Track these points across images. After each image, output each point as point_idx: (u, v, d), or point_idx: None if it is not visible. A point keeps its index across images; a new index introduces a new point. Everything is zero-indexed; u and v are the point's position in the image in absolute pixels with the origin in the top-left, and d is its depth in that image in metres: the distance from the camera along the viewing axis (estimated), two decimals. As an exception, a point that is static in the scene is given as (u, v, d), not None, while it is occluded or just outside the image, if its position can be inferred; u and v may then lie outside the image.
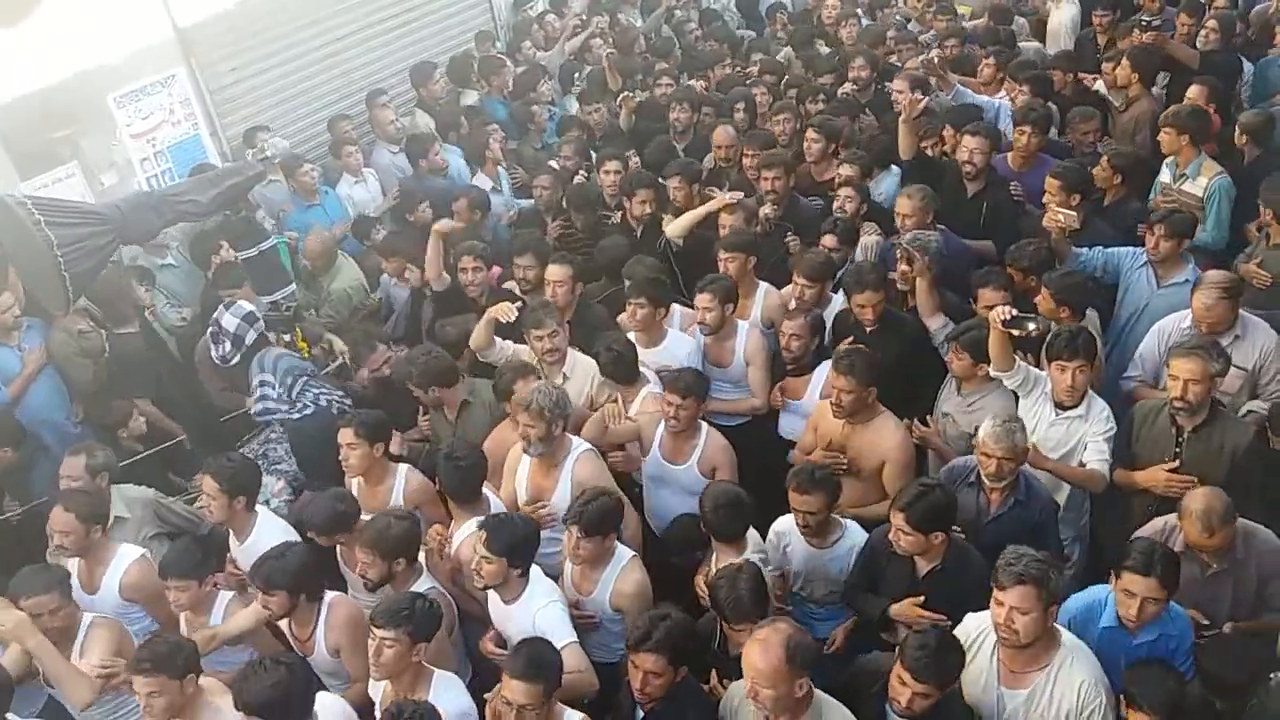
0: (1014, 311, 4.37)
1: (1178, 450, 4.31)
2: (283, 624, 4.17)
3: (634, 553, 4.25)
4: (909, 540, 3.81)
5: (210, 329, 5.70)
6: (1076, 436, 4.44)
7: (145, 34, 7.33)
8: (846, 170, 6.18)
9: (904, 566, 3.96)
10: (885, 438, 4.50)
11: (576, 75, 9.23)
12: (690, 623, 3.66)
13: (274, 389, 5.38)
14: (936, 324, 5.09)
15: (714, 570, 4.00)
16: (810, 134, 6.61)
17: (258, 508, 4.63)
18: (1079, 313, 4.88)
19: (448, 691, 3.67)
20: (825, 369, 4.94)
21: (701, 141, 7.30)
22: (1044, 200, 5.48)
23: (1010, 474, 4.07)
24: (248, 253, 5.56)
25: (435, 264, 6.00)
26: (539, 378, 4.80)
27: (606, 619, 4.16)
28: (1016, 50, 7.89)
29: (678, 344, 5.18)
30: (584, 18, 9.85)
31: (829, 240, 5.68)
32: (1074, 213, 5.27)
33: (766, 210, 6.13)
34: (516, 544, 3.88)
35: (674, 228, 5.96)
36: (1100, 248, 5.38)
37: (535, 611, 3.90)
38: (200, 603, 4.27)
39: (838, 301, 5.44)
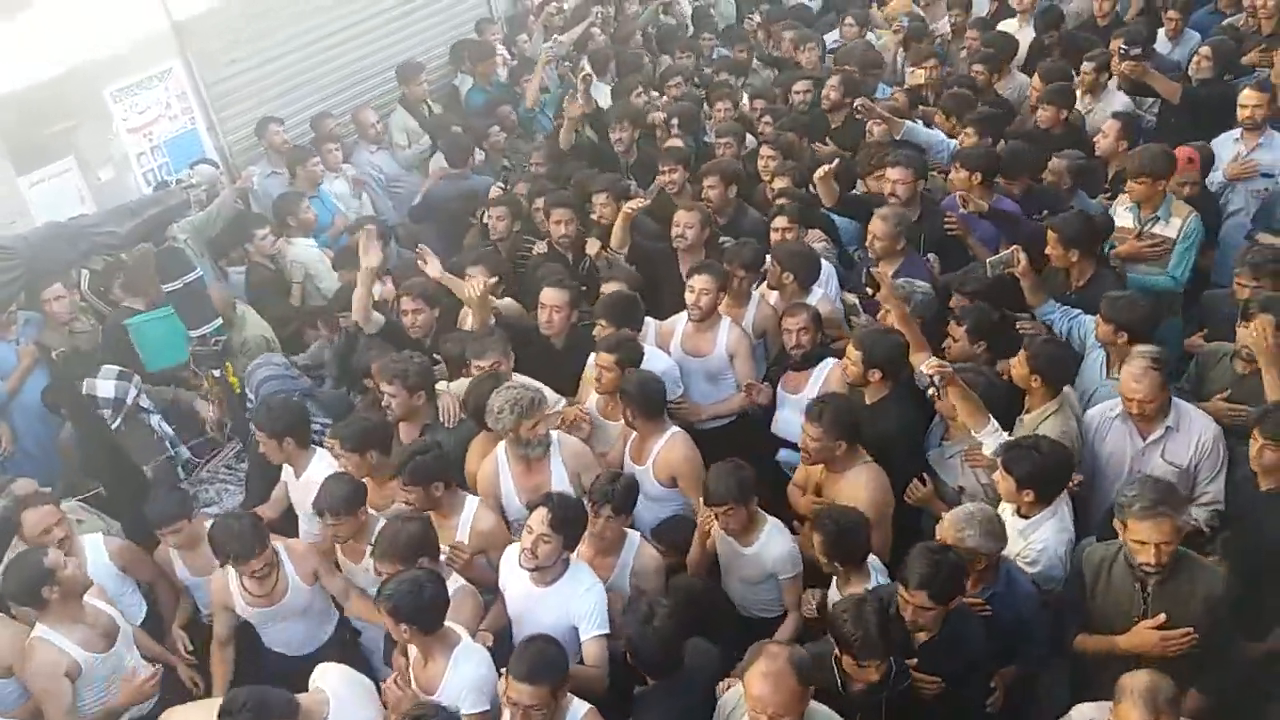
0: (937, 370, 4.22)
1: (1144, 606, 3.69)
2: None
3: (640, 532, 4.32)
4: (929, 616, 3.54)
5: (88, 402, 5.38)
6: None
7: (141, 27, 7.34)
8: (779, 183, 6.25)
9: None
10: (859, 490, 4.24)
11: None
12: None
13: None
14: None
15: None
16: (764, 150, 6.65)
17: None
18: (1054, 388, 4.48)
19: (467, 661, 3.70)
20: (829, 364, 4.93)
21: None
22: (1047, 251, 5.22)
23: (982, 566, 3.75)
24: (172, 286, 5.33)
25: (363, 304, 5.43)
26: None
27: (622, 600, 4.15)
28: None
29: (653, 359, 5.06)
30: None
31: (780, 221, 5.72)
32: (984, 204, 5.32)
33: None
34: (573, 521, 3.90)
35: (617, 239, 5.92)
36: (1069, 313, 5.00)
37: (575, 595, 3.90)
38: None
39: (816, 296, 5.42)
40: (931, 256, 5.73)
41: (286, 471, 4.94)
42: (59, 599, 4.07)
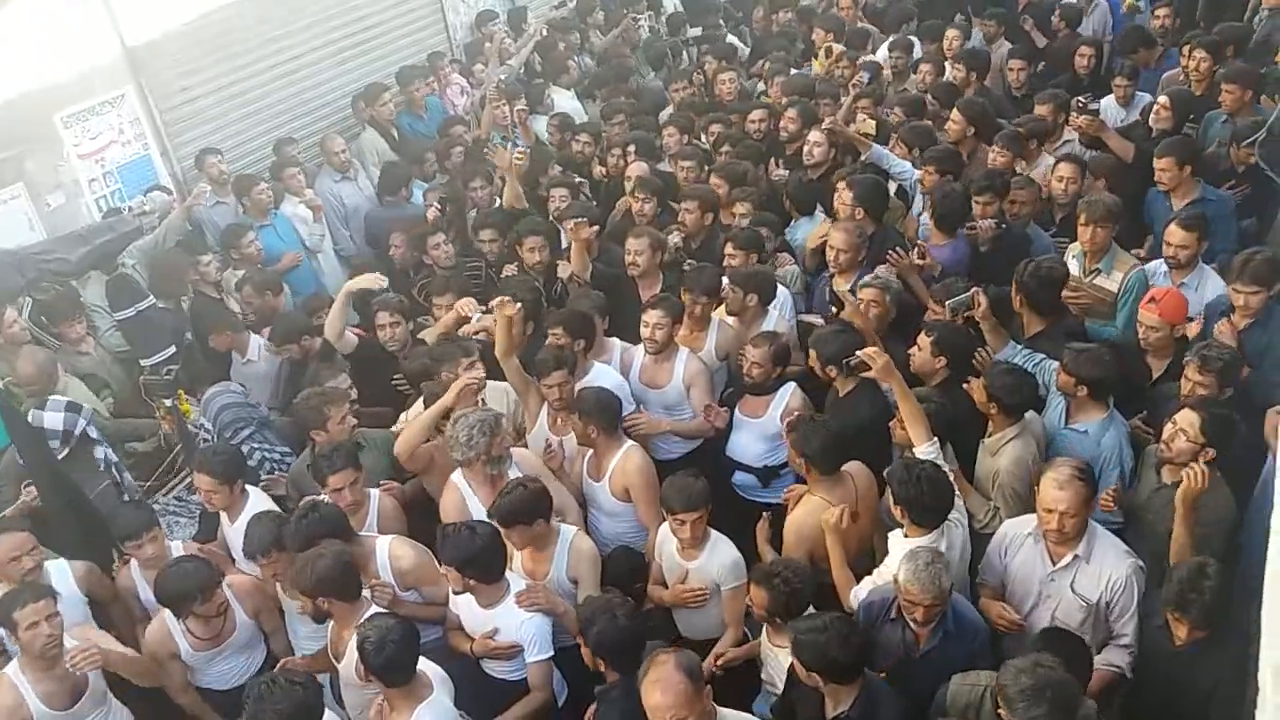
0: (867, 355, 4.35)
1: None
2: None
3: (576, 527, 4.44)
4: (811, 679, 3.56)
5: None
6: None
7: (94, 53, 7.29)
8: (739, 208, 6.39)
9: (813, 701, 3.63)
10: (794, 518, 4.42)
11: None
12: None
13: (210, 436, 5.27)
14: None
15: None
16: (714, 178, 6.73)
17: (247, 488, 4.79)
18: (1012, 414, 4.47)
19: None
20: (789, 390, 5.00)
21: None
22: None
23: (938, 615, 3.70)
24: (125, 313, 5.29)
25: (338, 324, 5.65)
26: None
27: (565, 594, 4.25)
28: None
29: (603, 376, 5.17)
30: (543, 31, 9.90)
31: (728, 247, 5.84)
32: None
33: (675, 240, 6.22)
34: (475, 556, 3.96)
35: (576, 264, 6.01)
36: (1032, 357, 4.93)
37: (515, 623, 4.00)
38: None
39: (773, 318, 5.50)
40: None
41: (223, 519, 4.83)
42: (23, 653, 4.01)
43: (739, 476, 5.13)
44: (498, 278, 6.34)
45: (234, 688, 4.35)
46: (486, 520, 4.16)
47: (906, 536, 4.03)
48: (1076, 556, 3.89)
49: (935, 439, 4.29)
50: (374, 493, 4.75)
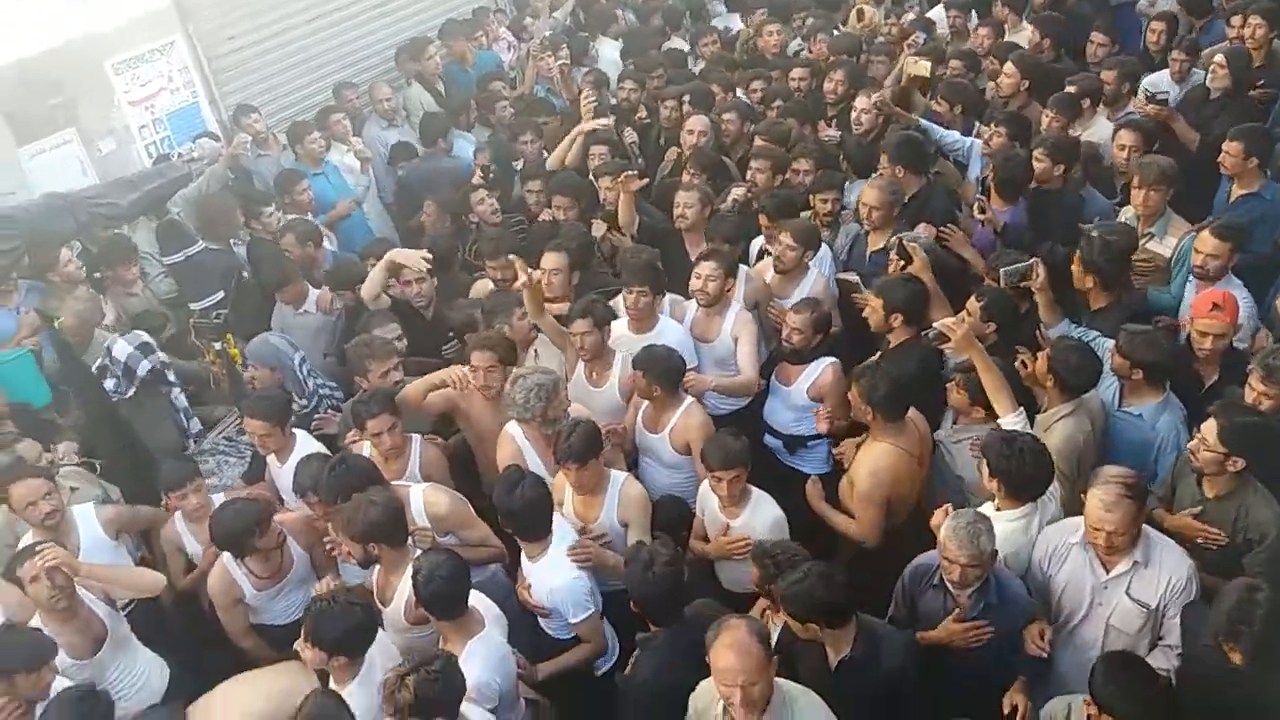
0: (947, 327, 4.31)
1: None
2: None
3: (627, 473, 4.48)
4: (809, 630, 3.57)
5: (100, 361, 5.34)
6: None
7: (143, 1, 7.31)
8: (801, 164, 6.29)
9: (814, 653, 3.63)
10: (862, 464, 4.43)
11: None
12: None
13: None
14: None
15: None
16: (759, 139, 6.66)
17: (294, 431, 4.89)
18: (1070, 392, 4.33)
19: (474, 658, 3.67)
20: (824, 366, 4.95)
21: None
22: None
23: (976, 580, 3.63)
24: (174, 258, 5.32)
25: (376, 287, 5.72)
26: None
27: (616, 536, 4.30)
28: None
29: (669, 331, 5.18)
30: None
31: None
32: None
33: (739, 193, 6.19)
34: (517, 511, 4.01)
35: (623, 217, 5.97)
36: (1086, 334, 4.74)
37: (553, 583, 4.02)
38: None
39: (812, 275, 5.48)
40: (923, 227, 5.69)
41: (271, 461, 4.91)
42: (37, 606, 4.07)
43: (769, 440, 5.15)
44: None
45: (292, 622, 4.41)
46: (537, 476, 4.16)
47: (999, 510, 3.95)
48: (1136, 563, 3.68)
49: (1021, 409, 4.22)
50: (416, 439, 4.80)
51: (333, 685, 3.64)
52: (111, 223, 6.22)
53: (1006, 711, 3.64)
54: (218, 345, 5.32)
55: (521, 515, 4.01)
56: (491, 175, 6.84)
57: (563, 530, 4.16)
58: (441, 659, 3.33)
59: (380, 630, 3.79)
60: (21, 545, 4.33)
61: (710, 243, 5.47)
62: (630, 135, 7.25)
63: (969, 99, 6.94)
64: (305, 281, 6.02)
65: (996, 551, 3.65)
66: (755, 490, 4.36)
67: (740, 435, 4.32)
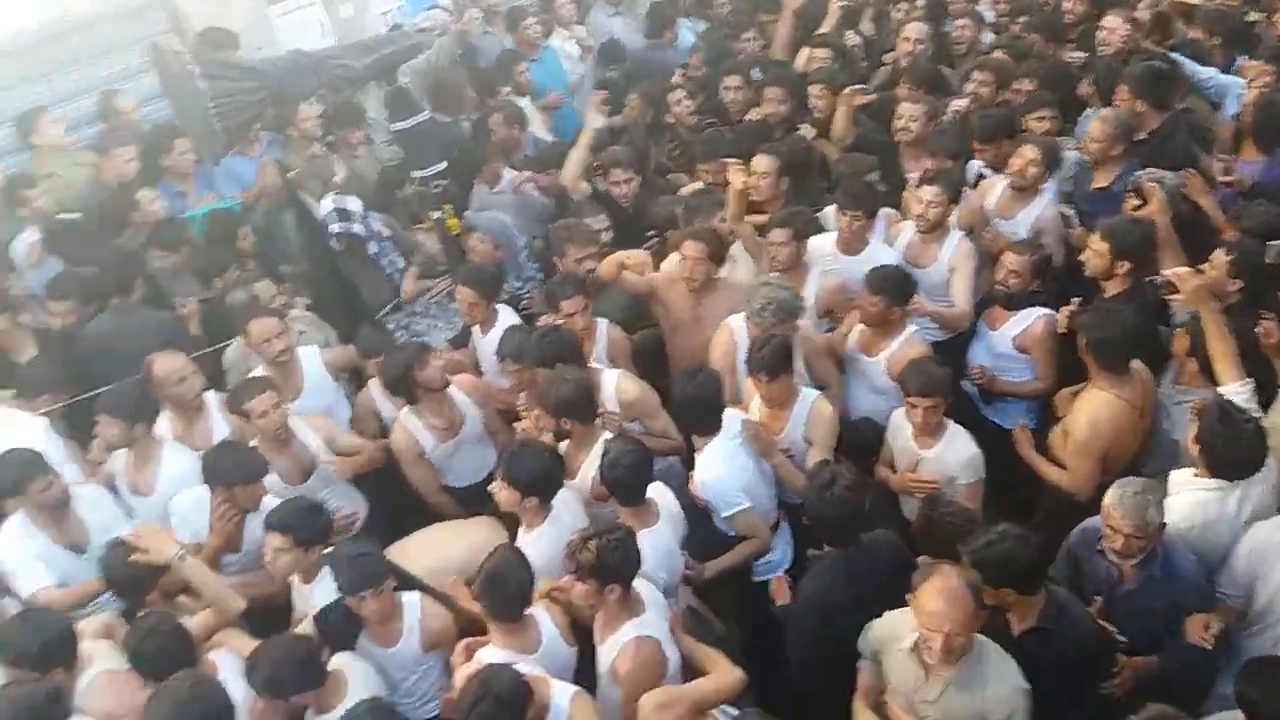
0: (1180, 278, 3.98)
1: None
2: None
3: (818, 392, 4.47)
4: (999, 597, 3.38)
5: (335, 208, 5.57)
6: None
7: None
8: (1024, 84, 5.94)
9: (992, 625, 3.40)
10: (1081, 412, 4.23)
11: None
12: None
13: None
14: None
15: None
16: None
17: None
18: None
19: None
20: (1036, 314, 4.72)
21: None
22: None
23: (1140, 551, 3.46)
24: (401, 125, 5.43)
25: (578, 168, 5.93)
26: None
27: (798, 452, 4.32)
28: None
29: (880, 255, 4.99)
30: None
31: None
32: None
33: (960, 104, 5.96)
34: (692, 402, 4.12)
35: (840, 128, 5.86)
36: None
37: (704, 478, 4.07)
38: None
39: (1043, 204, 5.23)
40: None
41: (475, 332, 5.15)
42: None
43: (964, 383, 4.92)
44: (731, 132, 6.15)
45: (474, 484, 4.70)
46: (712, 370, 4.28)
47: (1197, 476, 3.71)
48: None
49: (1249, 380, 3.87)
50: (603, 323, 4.95)
51: (523, 529, 3.90)
52: (346, 85, 6.45)
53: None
54: (436, 214, 5.51)
55: (689, 406, 4.12)
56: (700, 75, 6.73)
57: (733, 424, 4.17)
58: (623, 530, 3.46)
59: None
60: (251, 377, 4.68)
61: (933, 158, 5.25)
62: (853, 38, 6.98)
63: (1231, 30, 6.26)
64: (501, 163, 6.18)
65: (1165, 524, 3.47)
66: (952, 423, 4.23)
67: (944, 364, 4.20)
